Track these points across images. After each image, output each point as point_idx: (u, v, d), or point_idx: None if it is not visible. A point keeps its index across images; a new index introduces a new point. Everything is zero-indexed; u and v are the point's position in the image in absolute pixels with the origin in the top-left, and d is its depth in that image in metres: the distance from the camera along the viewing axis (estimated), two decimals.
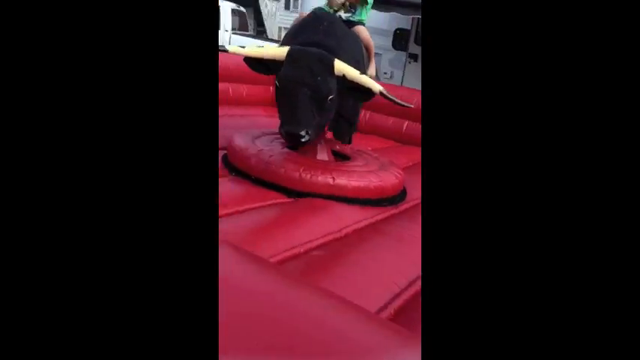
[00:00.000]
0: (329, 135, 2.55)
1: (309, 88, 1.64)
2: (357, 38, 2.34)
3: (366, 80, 1.82)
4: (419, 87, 3.96)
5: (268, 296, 0.67)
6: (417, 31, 5.81)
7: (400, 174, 2.24)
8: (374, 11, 5.38)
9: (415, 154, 3.05)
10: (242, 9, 9.73)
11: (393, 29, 5.93)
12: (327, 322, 0.63)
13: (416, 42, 5.86)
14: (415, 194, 2.24)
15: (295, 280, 0.77)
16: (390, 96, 1.84)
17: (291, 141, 1.79)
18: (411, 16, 5.35)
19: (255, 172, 1.97)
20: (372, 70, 2.57)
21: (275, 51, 1.80)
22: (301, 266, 1.28)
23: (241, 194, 1.76)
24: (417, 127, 3.44)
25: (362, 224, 1.68)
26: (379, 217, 1.85)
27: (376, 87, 1.83)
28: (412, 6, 4.99)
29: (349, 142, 2.79)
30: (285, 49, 1.75)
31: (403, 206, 2.08)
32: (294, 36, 2.00)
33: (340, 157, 2.45)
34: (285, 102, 1.69)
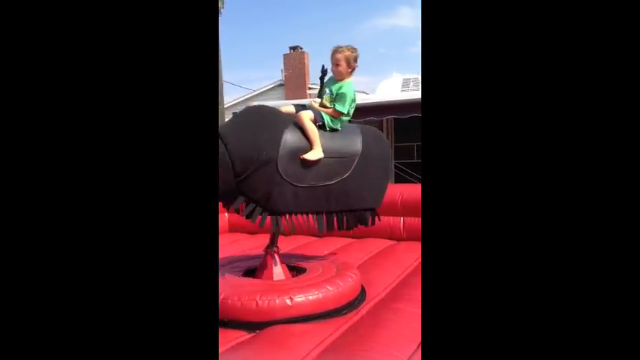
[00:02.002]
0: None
1: None
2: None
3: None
4: None
5: None
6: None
7: (356, 274, 2.31)
8: None
9: (369, 246, 3.15)
10: None
11: None
12: None
13: None
14: (374, 291, 2.29)
15: None
16: None
17: None
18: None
19: None
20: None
21: None
22: None
23: None
24: None
25: (324, 345, 1.69)
26: (342, 329, 1.87)
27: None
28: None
29: None
30: None
31: (364, 308, 2.12)
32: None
33: (297, 270, 2.50)
34: None
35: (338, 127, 2.29)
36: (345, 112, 2.24)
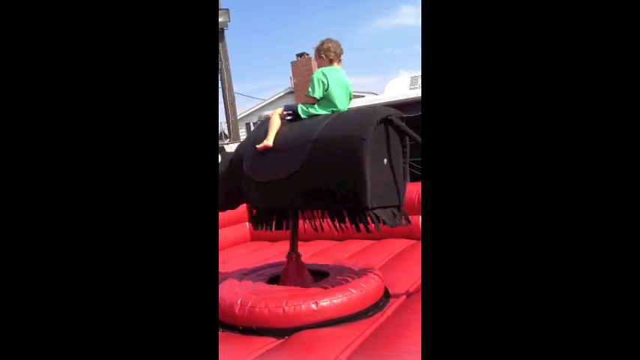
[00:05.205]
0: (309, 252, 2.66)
1: None
2: None
3: None
4: None
5: None
6: None
7: (378, 276, 2.33)
8: None
9: (389, 247, 3.17)
10: None
11: None
12: None
13: None
14: (397, 292, 2.32)
15: None
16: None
17: None
18: None
19: (240, 322, 2.03)
20: None
21: None
22: None
23: (230, 352, 1.79)
24: None
25: (353, 347, 1.72)
26: (368, 331, 1.89)
27: None
28: None
29: None
30: None
31: (388, 309, 2.14)
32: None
33: (319, 274, 2.54)
34: None
35: (319, 112, 2.21)
36: (315, 96, 2.19)
